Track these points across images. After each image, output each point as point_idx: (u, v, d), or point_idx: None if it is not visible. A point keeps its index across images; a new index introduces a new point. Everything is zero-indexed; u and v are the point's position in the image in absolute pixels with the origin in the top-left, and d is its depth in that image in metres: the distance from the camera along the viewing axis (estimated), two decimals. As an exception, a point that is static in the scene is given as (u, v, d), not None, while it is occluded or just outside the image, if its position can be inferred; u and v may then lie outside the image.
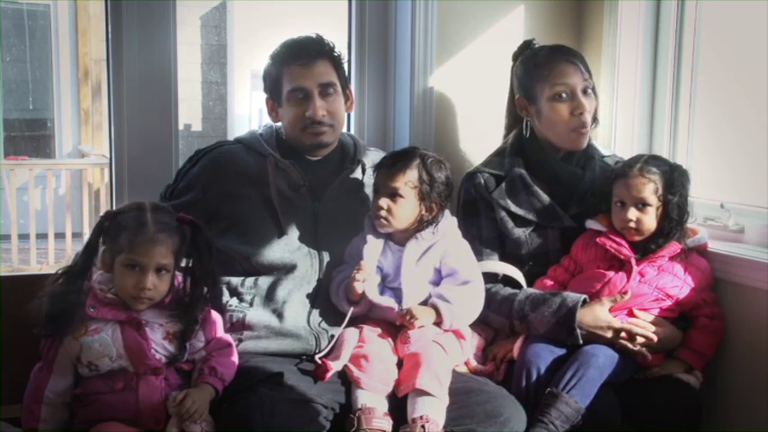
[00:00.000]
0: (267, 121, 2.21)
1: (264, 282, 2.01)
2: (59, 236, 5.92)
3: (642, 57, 2.50)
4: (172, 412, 1.74)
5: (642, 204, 2.02)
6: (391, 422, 1.77)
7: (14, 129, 7.10)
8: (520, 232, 2.16)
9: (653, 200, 2.01)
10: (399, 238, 2.00)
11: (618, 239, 2.05)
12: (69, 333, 1.74)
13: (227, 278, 2.03)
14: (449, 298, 1.93)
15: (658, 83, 2.51)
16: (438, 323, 1.94)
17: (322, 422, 1.74)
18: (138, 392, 1.74)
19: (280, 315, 1.97)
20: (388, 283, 2.00)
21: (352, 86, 2.56)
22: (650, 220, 2.02)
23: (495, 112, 2.58)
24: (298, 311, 1.99)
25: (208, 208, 2.05)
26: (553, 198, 2.16)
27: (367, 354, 1.86)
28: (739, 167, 2.37)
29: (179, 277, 1.83)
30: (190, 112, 7.18)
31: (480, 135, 2.58)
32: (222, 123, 7.45)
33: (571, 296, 2.00)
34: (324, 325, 1.99)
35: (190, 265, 1.82)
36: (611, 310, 2.01)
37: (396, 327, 1.95)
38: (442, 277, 1.99)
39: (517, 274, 2.15)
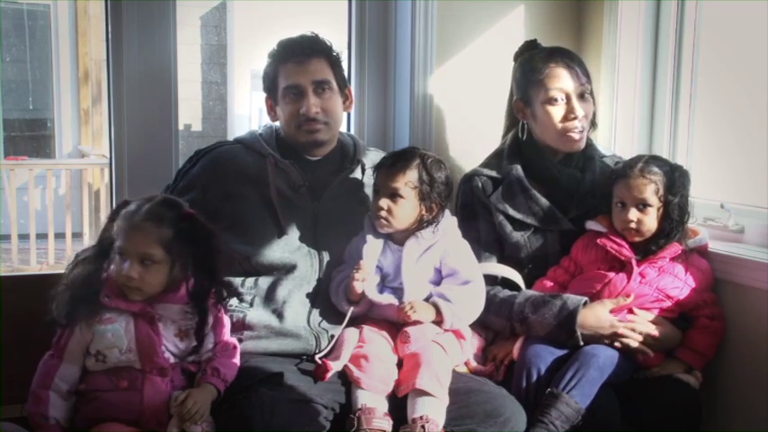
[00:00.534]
0: (267, 121, 2.21)
1: (264, 282, 2.01)
2: (59, 236, 5.93)
3: (642, 57, 2.50)
4: (173, 412, 1.74)
5: (643, 205, 2.01)
6: (391, 422, 1.77)
7: (14, 129, 7.10)
8: (518, 236, 2.16)
9: (654, 200, 2.01)
10: (399, 238, 2.00)
11: (618, 240, 2.05)
12: (85, 321, 1.74)
13: (227, 278, 2.03)
14: (450, 297, 1.93)
15: (658, 83, 2.51)
16: (438, 322, 1.94)
17: (322, 422, 1.74)
18: (143, 393, 1.74)
19: (280, 315, 1.97)
20: (388, 283, 2.00)
21: (352, 86, 2.57)
22: (651, 221, 2.02)
23: (494, 113, 2.58)
24: (298, 311, 1.99)
25: (208, 208, 2.05)
26: (552, 201, 2.16)
27: (367, 354, 1.86)
28: (739, 167, 2.37)
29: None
30: (190, 112, 7.18)
31: (480, 135, 2.58)
32: (222, 123, 7.45)
33: (572, 299, 2.00)
34: (324, 325, 1.99)
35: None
36: (612, 312, 2.00)
37: (396, 327, 1.95)
38: (442, 277, 1.99)
39: (516, 277, 2.14)
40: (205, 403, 1.76)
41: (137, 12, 2.29)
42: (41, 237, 5.81)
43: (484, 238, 2.18)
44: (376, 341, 1.92)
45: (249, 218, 2.03)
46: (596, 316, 1.98)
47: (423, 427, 1.73)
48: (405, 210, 1.96)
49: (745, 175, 2.34)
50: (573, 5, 2.65)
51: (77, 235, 6.16)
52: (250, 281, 2.02)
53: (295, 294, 2.00)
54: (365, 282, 1.93)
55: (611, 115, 2.53)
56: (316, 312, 2.01)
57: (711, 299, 2.08)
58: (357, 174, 2.17)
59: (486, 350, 2.12)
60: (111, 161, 2.39)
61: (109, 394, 1.75)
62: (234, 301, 2.00)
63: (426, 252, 1.98)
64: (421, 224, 1.98)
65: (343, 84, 2.14)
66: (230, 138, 2.31)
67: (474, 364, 2.04)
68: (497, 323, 2.09)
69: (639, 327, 1.98)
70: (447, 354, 1.90)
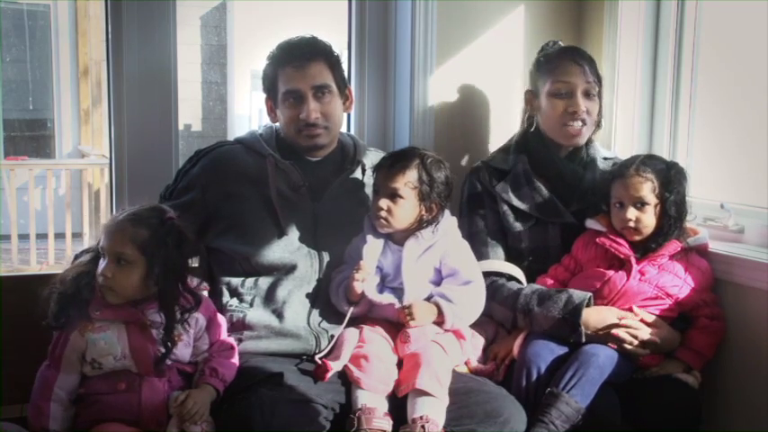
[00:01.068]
0: (267, 121, 2.21)
1: (264, 282, 2.01)
2: (59, 236, 5.93)
3: (642, 57, 2.51)
4: (173, 412, 1.74)
5: (641, 204, 2.02)
6: (391, 422, 1.77)
7: (14, 129, 7.10)
8: (521, 227, 2.18)
9: (651, 198, 2.02)
10: (399, 238, 2.00)
11: (617, 239, 2.05)
12: (76, 327, 1.74)
13: (227, 278, 2.03)
14: (451, 298, 1.94)
15: (658, 83, 2.51)
16: (439, 323, 1.94)
17: (322, 422, 1.74)
18: (141, 394, 1.74)
19: (280, 315, 1.97)
20: (388, 283, 2.00)
21: (352, 86, 2.57)
22: (649, 219, 2.02)
23: (494, 112, 2.59)
24: (298, 311, 1.99)
25: (207, 208, 2.05)
26: (555, 194, 2.19)
27: (367, 354, 1.86)
28: (739, 167, 2.37)
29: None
30: (190, 112, 7.18)
31: (480, 134, 2.59)
32: (222, 123, 7.45)
33: (577, 293, 2.01)
34: (324, 325, 1.99)
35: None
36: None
37: (396, 327, 1.95)
38: (442, 277, 1.99)
39: (518, 273, 2.15)
40: (204, 403, 1.76)
41: (137, 12, 2.29)
42: (41, 237, 5.81)
43: (490, 227, 2.21)
44: (376, 341, 1.92)
45: (249, 218, 2.03)
46: (602, 317, 1.99)
47: (423, 427, 1.73)
48: (404, 210, 1.96)
49: (745, 175, 2.34)
50: (573, 5, 2.65)
51: (77, 235, 6.15)
52: (250, 281, 2.02)
53: (295, 294, 2.00)
54: (365, 282, 1.93)
55: (611, 115, 2.53)
56: (316, 312, 2.01)
57: (711, 299, 2.08)
58: (357, 174, 2.17)
59: (487, 349, 2.12)
60: (111, 161, 2.39)
61: (108, 397, 1.75)
62: (234, 302, 2.00)
63: (426, 252, 1.98)
64: (421, 224, 1.98)
65: (342, 85, 2.14)
66: (230, 138, 2.31)
67: (474, 363, 2.04)
68: (501, 313, 2.10)
69: (642, 335, 1.98)
70: (447, 354, 1.90)
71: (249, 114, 7.64)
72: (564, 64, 2.18)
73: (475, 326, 2.04)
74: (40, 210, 6.17)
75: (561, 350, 1.98)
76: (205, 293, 1.94)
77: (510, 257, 2.20)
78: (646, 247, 2.05)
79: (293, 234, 2.04)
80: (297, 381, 1.81)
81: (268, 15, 6.95)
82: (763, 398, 2.03)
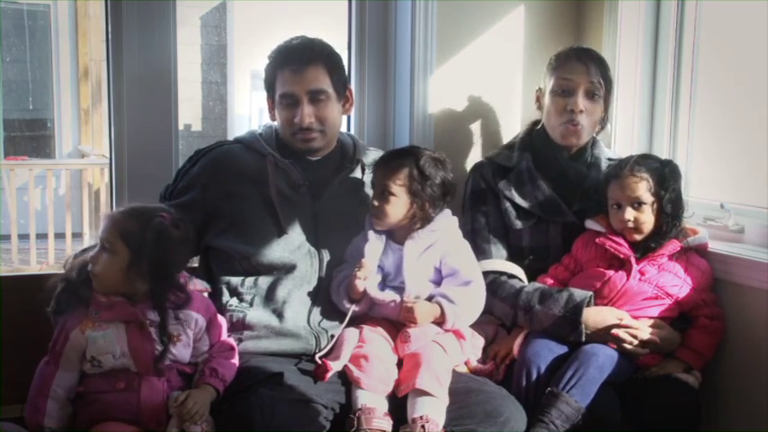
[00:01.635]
0: (267, 120, 2.21)
1: (264, 281, 2.01)
2: (59, 236, 5.92)
3: (642, 57, 2.51)
4: (173, 412, 1.74)
5: (638, 203, 2.03)
6: (391, 422, 1.77)
7: (14, 129, 7.10)
8: (522, 224, 2.18)
9: (647, 197, 2.02)
10: (400, 238, 2.00)
11: (617, 239, 2.06)
12: (77, 322, 1.75)
13: (226, 278, 2.03)
14: (452, 298, 1.94)
15: (658, 83, 2.51)
16: (440, 323, 1.94)
17: (322, 422, 1.74)
18: (140, 393, 1.74)
19: (280, 315, 1.97)
20: (389, 282, 2.00)
21: (352, 86, 2.56)
22: (648, 218, 2.03)
23: (494, 112, 2.59)
24: (298, 311, 1.99)
25: (207, 208, 2.05)
26: (558, 194, 2.19)
27: (367, 354, 1.86)
28: (739, 167, 2.37)
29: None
30: (190, 112, 7.18)
31: (480, 134, 2.59)
32: (222, 123, 7.45)
33: (578, 292, 2.02)
34: (324, 325, 1.99)
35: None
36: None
37: (396, 326, 1.95)
38: (442, 277, 1.99)
39: (518, 272, 2.16)
40: (204, 403, 1.76)
41: (137, 12, 2.29)
42: (41, 237, 5.81)
43: (493, 223, 2.21)
44: (376, 341, 1.92)
45: (249, 217, 2.03)
46: (603, 317, 1.99)
47: (423, 426, 1.73)
48: (395, 207, 1.96)
49: (745, 175, 2.34)
50: (573, 5, 2.65)
51: (77, 235, 6.15)
52: (250, 280, 2.02)
53: (295, 294, 2.00)
54: (367, 280, 1.93)
55: (611, 115, 2.52)
56: (316, 312, 2.01)
57: (711, 299, 2.08)
58: (357, 173, 2.17)
59: (486, 348, 2.12)
60: (111, 161, 2.38)
61: (107, 395, 1.75)
62: (234, 301, 2.00)
63: (426, 251, 1.98)
64: (412, 222, 1.98)
65: (341, 88, 2.12)
66: (230, 138, 2.31)
67: (474, 363, 2.04)
68: (501, 310, 2.10)
69: (642, 335, 1.98)
70: (447, 354, 1.90)
71: (249, 114, 7.65)
72: (569, 62, 2.18)
73: (475, 326, 2.04)
74: (40, 210, 6.16)
75: (561, 350, 1.99)
76: (205, 295, 1.93)
77: (510, 255, 2.20)
78: (645, 247, 2.05)
79: (293, 233, 2.04)
80: (297, 381, 1.81)
81: (268, 15, 6.96)
82: (763, 398, 2.03)
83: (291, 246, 2.03)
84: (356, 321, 1.98)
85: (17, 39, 6.98)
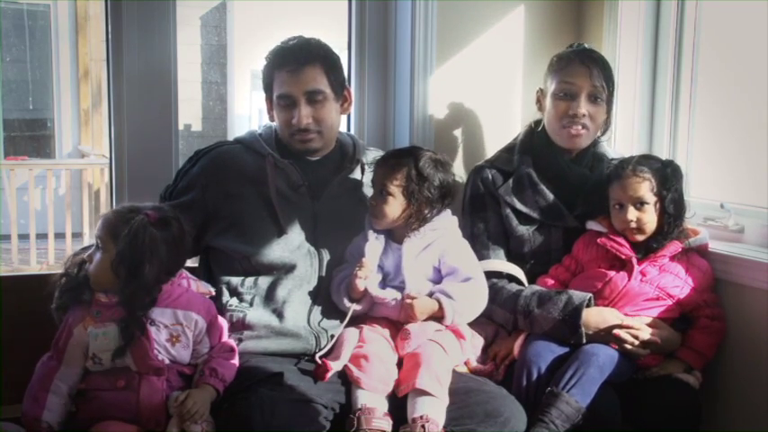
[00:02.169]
0: (267, 120, 2.21)
1: (264, 281, 2.01)
2: (59, 236, 5.93)
3: (642, 57, 2.50)
4: (173, 412, 1.74)
5: (640, 203, 2.03)
6: (391, 422, 1.77)
7: (14, 129, 7.11)
8: (523, 230, 2.17)
9: (650, 197, 2.02)
10: (399, 237, 2.00)
11: (619, 239, 2.05)
12: (80, 318, 1.76)
13: (226, 278, 2.03)
14: (451, 294, 1.94)
15: (658, 83, 2.51)
16: (439, 318, 1.94)
17: (322, 422, 1.75)
18: (139, 392, 1.75)
19: (280, 315, 1.97)
20: (389, 282, 2.00)
21: (352, 86, 2.57)
22: (650, 218, 2.03)
23: (495, 112, 2.59)
24: (298, 311, 1.99)
25: (207, 208, 2.05)
26: (559, 197, 2.18)
27: (367, 354, 1.86)
28: (739, 167, 2.37)
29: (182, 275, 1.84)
30: (190, 112, 7.18)
31: (480, 135, 2.59)
32: (222, 123, 7.45)
33: (577, 294, 2.01)
34: (324, 324, 1.99)
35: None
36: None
37: (396, 326, 1.95)
38: (441, 276, 1.99)
39: (519, 273, 2.15)
40: (205, 403, 1.76)
41: (137, 12, 2.29)
42: (41, 237, 5.81)
43: (492, 229, 2.20)
44: (376, 341, 1.92)
45: (249, 217, 2.03)
46: (603, 317, 1.99)
47: (423, 426, 1.73)
48: (392, 207, 1.96)
49: (745, 175, 2.34)
50: (573, 5, 2.65)
51: (77, 235, 6.15)
52: (250, 280, 2.02)
53: (295, 294, 2.00)
54: (367, 279, 1.93)
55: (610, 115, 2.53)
56: (316, 312, 2.01)
57: (712, 299, 2.08)
58: (357, 173, 2.17)
59: (487, 349, 2.12)
60: (111, 161, 2.38)
61: (107, 393, 1.76)
62: (234, 301, 2.00)
63: (425, 250, 1.98)
64: (408, 222, 1.97)
65: (339, 88, 2.11)
66: (230, 138, 2.31)
67: (474, 363, 2.04)
68: (501, 315, 2.09)
69: (642, 335, 1.98)
70: (447, 353, 1.90)
71: (249, 114, 7.64)
72: (572, 65, 2.16)
73: (475, 326, 2.04)
74: (40, 210, 6.17)
75: (561, 350, 1.98)
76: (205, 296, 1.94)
77: (512, 260, 2.19)
78: (647, 248, 2.05)
79: (293, 233, 2.04)
80: (297, 380, 1.81)
81: (268, 15, 6.95)
82: (763, 398, 2.03)
83: (291, 246, 2.03)
84: (356, 321, 1.98)
85: (17, 39, 6.98)
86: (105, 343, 1.74)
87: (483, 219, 2.21)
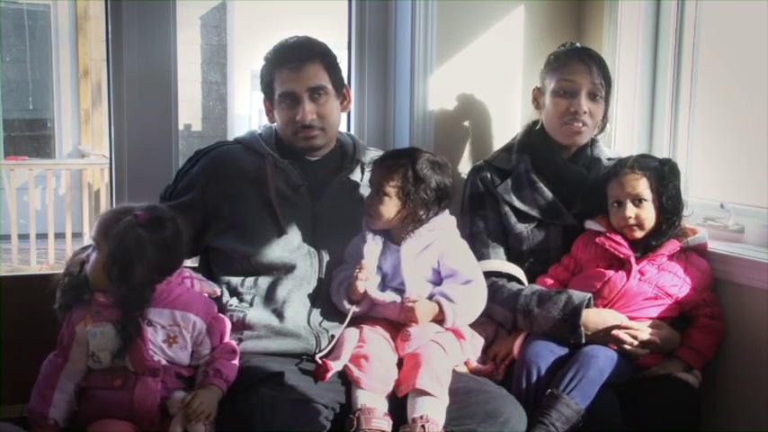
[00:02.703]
0: (267, 121, 2.21)
1: (264, 281, 2.01)
2: (59, 236, 5.92)
3: (642, 57, 2.51)
4: (175, 412, 1.75)
5: (639, 200, 2.03)
6: (391, 422, 1.77)
7: (14, 129, 7.11)
8: (522, 228, 2.18)
9: (647, 194, 2.03)
10: (397, 238, 2.00)
11: (617, 239, 2.06)
12: (82, 316, 1.77)
13: (227, 278, 2.03)
14: (452, 297, 1.93)
15: (658, 83, 2.51)
16: (440, 321, 1.94)
17: (322, 422, 1.74)
18: (134, 393, 1.75)
19: (280, 315, 1.97)
20: (388, 283, 2.00)
21: (352, 86, 2.57)
22: (648, 215, 2.03)
23: (495, 112, 2.59)
24: (298, 311, 1.99)
25: (207, 208, 2.05)
26: (557, 196, 2.19)
27: (367, 354, 1.86)
28: (739, 167, 2.37)
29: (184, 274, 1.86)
30: (190, 112, 7.18)
31: (480, 135, 2.59)
32: (222, 123, 7.45)
33: (577, 294, 2.01)
34: (324, 325, 1.99)
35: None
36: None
37: (396, 326, 1.95)
38: (441, 278, 1.99)
39: (519, 273, 2.15)
40: (211, 404, 1.77)
41: (137, 12, 2.29)
42: (41, 237, 5.81)
43: (492, 227, 2.21)
44: (376, 341, 1.92)
45: (249, 218, 2.03)
46: (603, 319, 1.99)
47: (423, 426, 1.73)
48: (387, 207, 1.96)
49: (745, 175, 2.34)
50: (573, 5, 2.65)
51: (77, 235, 6.15)
52: (250, 281, 2.02)
53: (295, 294, 2.00)
54: (367, 281, 1.93)
55: (611, 115, 2.52)
56: (316, 312, 2.01)
57: (711, 299, 2.08)
58: (356, 173, 2.17)
59: (487, 349, 2.11)
60: (111, 161, 2.39)
61: (104, 392, 1.78)
62: (234, 301, 2.00)
63: (423, 251, 1.97)
64: (404, 223, 1.97)
65: (339, 85, 2.13)
66: (230, 138, 2.31)
67: (474, 363, 2.04)
68: (501, 314, 2.10)
69: (642, 335, 1.98)
70: (447, 354, 1.90)
71: (249, 114, 7.65)
72: (571, 63, 2.18)
73: (475, 326, 2.04)
74: (40, 210, 6.17)
75: (561, 351, 1.98)
76: (205, 296, 1.94)
77: (510, 259, 2.20)
78: (645, 247, 2.05)
79: (293, 233, 2.04)
80: (297, 380, 1.81)
81: (268, 15, 6.95)
82: (763, 398, 2.03)
83: (291, 246, 2.03)
84: (356, 321, 1.98)
85: (17, 39, 6.98)
86: (103, 342, 1.75)
87: (482, 217, 2.21)
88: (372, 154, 2.23)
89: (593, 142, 2.27)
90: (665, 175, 2.04)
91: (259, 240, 2.01)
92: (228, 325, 1.92)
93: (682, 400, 1.97)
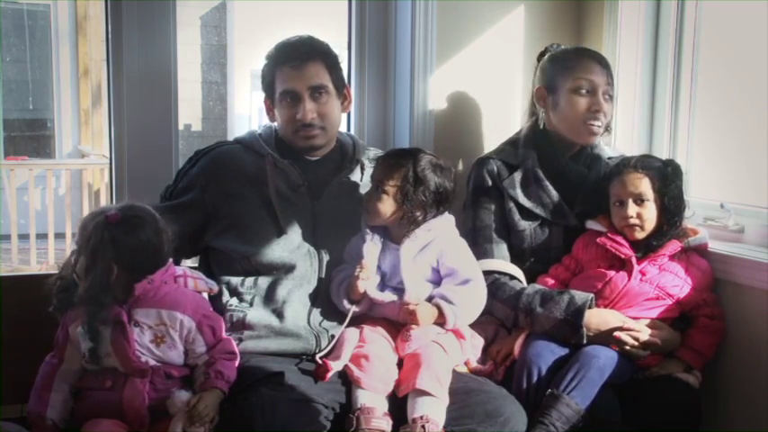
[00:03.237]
0: (267, 120, 2.21)
1: (264, 281, 2.01)
2: (59, 236, 5.92)
3: (642, 57, 2.50)
4: (173, 412, 1.75)
5: (641, 200, 2.03)
6: (390, 422, 1.77)
7: (14, 129, 7.11)
8: (525, 225, 2.18)
9: (650, 194, 2.03)
10: (396, 237, 2.00)
11: (618, 239, 2.05)
12: (76, 314, 1.78)
13: (226, 278, 2.03)
14: (452, 299, 1.93)
15: (658, 83, 2.51)
16: (440, 323, 1.94)
17: (323, 422, 1.74)
18: (123, 394, 1.75)
19: (280, 315, 1.97)
20: (387, 282, 2.00)
21: (352, 86, 2.57)
22: (650, 214, 2.03)
23: (495, 112, 2.59)
24: (298, 311, 1.99)
25: (207, 208, 2.05)
26: (559, 195, 2.18)
27: (367, 354, 1.86)
28: (739, 167, 2.37)
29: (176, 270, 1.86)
30: (190, 112, 7.18)
31: (480, 135, 2.59)
32: (222, 123, 7.45)
33: (579, 294, 2.01)
34: (324, 325, 1.99)
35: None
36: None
37: (396, 326, 1.95)
38: (440, 277, 1.99)
39: (518, 273, 2.15)
40: (215, 406, 1.77)
41: (137, 12, 2.29)
42: (41, 237, 5.81)
43: (496, 221, 2.20)
44: (376, 341, 1.92)
45: (248, 217, 2.03)
46: (604, 319, 1.99)
47: (423, 426, 1.73)
48: (384, 205, 1.95)
49: (745, 175, 2.34)
50: (573, 5, 2.65)
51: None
52: (249, 280, 2.02)
53: (295, 294, 2.00)
54: (368, 281, 1.93)
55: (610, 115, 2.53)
56: (316, 312, 2.00)
57: (711, 299, 2.08)
58: (356, 173, 2.17)
59: (487, 349, 2.11)
60: (111, 161, 2.39)
61: (96, 393, 1.78)
62: (234, 301, 2.00)
63: (422, 251, 1.97)
64: (400, 223, 1.97)
65: (340, 85, 2.13)
66: (230, 138, 2.31)
67: (474, 363, 2.04)
68: (502, 311, 2.09)
69: (642, 336, 1.98)
70: (447, 354, 1.90)
71: (249, 114, 7.65)
72: (586, 62, 2.17)
73: (475, 326, 2.04)
74: (40, 210, 6.17)
75: (562, 351, 1.98)
76: (204, 295, 1.94)
77: (511, 257, 2.19)
78: (647, 247, 2.05)
79: (292, 233, 2.04)
80: (297, 380, 1.81)
81: (268, 15, 6.95)
82: (763, 398, 2.03)
83: (291, 246, 2.03)
84: (356, 321, 1.97)
85: (17, 39, 6.98)
86: (85, 343, 1.76)
87: (488, 211, 2.20)
88: (372, 154, 2.23)
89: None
90: (667, 176, 2.04)
91: (259, 240, 2.01)
92: (222, 322, 1.91)
93: (682, 400, 1.97)
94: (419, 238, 1.97)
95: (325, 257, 2.05)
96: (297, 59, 2.05)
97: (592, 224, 2.13)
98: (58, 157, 7.11)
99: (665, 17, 2.48)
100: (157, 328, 1.78)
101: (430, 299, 1.95)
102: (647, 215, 2.03)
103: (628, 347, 1.98)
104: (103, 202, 6.07)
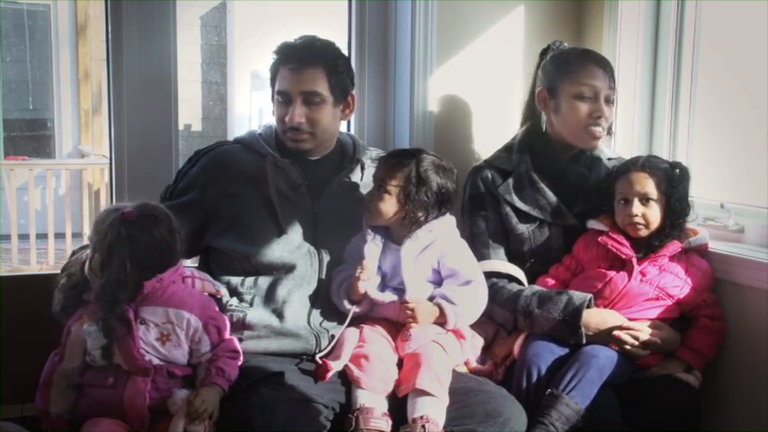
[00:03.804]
0: (267, 120, 2.21)
1: (264, 281, 2.01)
2: (59, 236, 5.92)
3: (642, 57, 2.51)
4: (174, 410, 1.75)
5: (646, 199, 2.03)
6: (390, 422, 1.77)
7: (14, 129, 7.10)
8: (523, 228, 2.18)
9: (655, 194, 2.03)
10: (397, 238, 2.00)
11: (619, 239, 2.05)
12: (80, 312, 1.79)
13: (226, 278, 2.03)
14: (453, 299, 1.93)
15: (658, 83, 2.51)
16: (441, 323, 1.94)
17: (322, 422, 1.75)
18: (124, 392, 1.76)
19: (280, 315, 1.97)
20: (387, 283, 2.00)
21: (352, 86, 2.57)
22: (655, 214, 2.03)
23: (495, 112, 2.59)
24: (298, 311, 1.99)
25: (207, 208, 2.05)
26: (558, 196, 2.18)
27: (367, 354, 1.86)
28: (739, 167, 2.37)
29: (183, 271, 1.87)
30: (190, 112, 7.18)
31: (480, 135, 2.59)
32: (222, 123, 7.45)
33: (577, 295, 2.01)
34: (324, 325, 1.99)
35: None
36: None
37: (396, 326, 1.95)
38: (441, 278, 1.99)
39: (519, 274, 2.15)
40: (214, 403, 1.76)
41: (137, 12, 2.29)
42: (41, 237, 5.81)
43: (492, 228, 2.20)
44: (376, 341, 1.92)
45: (249, 217, 2.03)
46: (603, 318, 2.00)
47: (423, 426, 1.73)
48: (386, 204, 1.95)
49: (745, 175, 2.34)
50: (573, 5, 2.65)
51: (77, 235, 6.15)
52: (250, 280, 2.02)
53: (295, 294, 2.00)
54: (369, 281, 1.93)
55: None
56: (316, 312, 2.01)
57: (711, 299, 2.08)
58: (357, 173, 2.17)
59: (487, 349, 2.11)
60: (111, 161, 2.39)
61: (98, 390, 1.79)
62: (234, 301, 2.00)
63: (423, 252, 1.97)
64: (402, 223, 1.97)
65: (341, 93, 2.09)
66: (230, 138, 2.31)
67: (474, 363, 2.04)
68: (501, 315, 2.09)
69: (642, 336, 1.98)
70: (447, 354, 1.90)
71: (249, 114, 7.64)
72: (589, 66, 2.16)
73: (475, 326, 2.04)
74: (40, 210, 6.17)
75: (561, 351, 1.98)
76: (203, 294, 1.94)
77: (511, 260, 2.19)
78: (647, 247, 2.05)
79: (293, 233, 2.04)
80: (297, 380, 1.81)
81: (268, 15, 6.95)
82: (763, 398, 2.03)
83: (291, 246, 2.03)
84: (356, 321, 1.98)
85: (17, 39, 6.98)
86: (96, 341, 1.76)
87: (483, 218, 2.21)
88: (374, 154, 2.23)
89: None
90: (674, 177, 2.04)
91: (259, 240, 2.01)
92: (228, 322, 1.91)
93: (682, 400, 1.97)
94: (420, 239, 1.97)
95: (326, 257, 2.05)
96: (296, 62, 2.04)
97: (593, 224, 2.13)
98: (58, 157, 7.10)
99: (665, 17, 2.48)
100: (164, 327, 1.79)
101: (431, 299, 1.95)
102: (651, 215, 2.03)
103: (628, 347, 1.98)
104: (103, 201, 6.07)
